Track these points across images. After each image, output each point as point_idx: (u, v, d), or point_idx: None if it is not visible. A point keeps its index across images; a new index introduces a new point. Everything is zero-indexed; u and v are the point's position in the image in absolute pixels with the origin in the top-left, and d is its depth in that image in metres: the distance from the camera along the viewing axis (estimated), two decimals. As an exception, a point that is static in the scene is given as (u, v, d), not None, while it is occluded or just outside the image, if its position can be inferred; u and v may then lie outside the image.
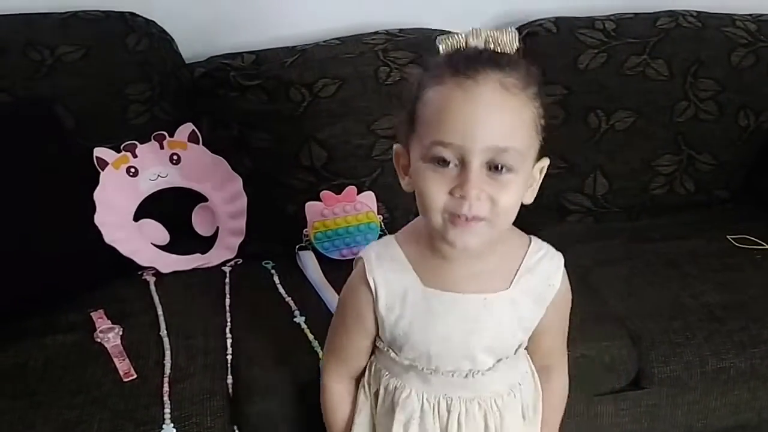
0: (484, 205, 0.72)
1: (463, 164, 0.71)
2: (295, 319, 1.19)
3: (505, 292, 0.82)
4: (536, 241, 0.85)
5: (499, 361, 0.85)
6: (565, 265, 0.85)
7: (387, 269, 0.82)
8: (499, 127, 0.70)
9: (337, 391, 0.93)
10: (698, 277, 1.29)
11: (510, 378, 0.88)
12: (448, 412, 0.86)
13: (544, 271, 0.84)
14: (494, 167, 0.71)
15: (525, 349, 0.90)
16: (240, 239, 1.40)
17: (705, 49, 1.54)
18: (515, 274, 0.82)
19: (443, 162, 0.72)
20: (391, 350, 0.86)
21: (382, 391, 0.89)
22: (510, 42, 0.74)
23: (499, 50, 0.74)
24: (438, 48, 0.76)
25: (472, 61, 0.71)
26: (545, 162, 0.78)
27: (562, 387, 0.95)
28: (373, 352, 0.91)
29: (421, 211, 0.77)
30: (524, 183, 0.75)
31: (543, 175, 0.78)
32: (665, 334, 1.17)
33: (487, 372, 0.85)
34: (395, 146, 0.82)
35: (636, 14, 1.59)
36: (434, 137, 0.71)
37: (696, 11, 1.60)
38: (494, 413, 0.86)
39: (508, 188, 0.72)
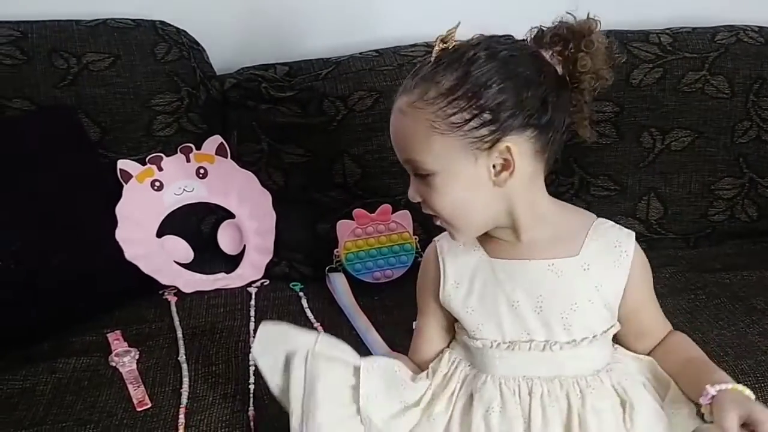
0: (425, 206, 0.85)
1: None
2: (323, 347, 1.10)
3: (574, 258, 0.84)
4: (603, 219, 0.89)
5: (584, 339, 0.84)
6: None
7: (456, 247, 0.89)
8: (401, 144, 0.83)
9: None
10: (767, 312, 1.17)
11: (597, 360, 0.86)
12: (530, 395, 0.83)
13: (612, 238, 0.86)
14: (417, 173, 0.83)
15: (628, 340, 0.90)
16: (267, 258, 1.32)
17: (768, 66, 1.43)
18: (583, 242, 0.85)
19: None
20: (465, 334, 0.87)
21: (457, 386, 0.87)
22: (442, 44, 0.83)
23: (434, 57, 0.82)
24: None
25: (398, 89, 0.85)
26: (501, 145, 0.78)
27: (684, 338, 0.93)
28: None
29: None
30: (464, 179, 0.80)
31: (515, 154, 0.79)
32: (732, 376, 1.04)
33: (566, 345, 0.84)
34: None
35: (694, 28, 1.49)
36: None
37: (757, 26, 1.50)
38: (576, 394, 0.83)
39: (437, 189, 0.81)
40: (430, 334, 0.94)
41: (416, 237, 1.32)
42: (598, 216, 0.90)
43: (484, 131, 0.78)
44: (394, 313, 1.20)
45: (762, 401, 1.01)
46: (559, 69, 0.82)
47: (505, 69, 0.78)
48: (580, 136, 0.86)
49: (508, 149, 0.78)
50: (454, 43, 0.82)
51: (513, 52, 0.80)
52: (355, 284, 1.27)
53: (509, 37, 0.84)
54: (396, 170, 1.33)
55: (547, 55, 0.82)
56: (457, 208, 0.82)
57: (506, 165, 0.79)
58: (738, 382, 1.02)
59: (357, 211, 1.29)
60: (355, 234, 1.29)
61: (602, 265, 0.85)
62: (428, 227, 1.34)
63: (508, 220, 0.85)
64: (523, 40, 0.84)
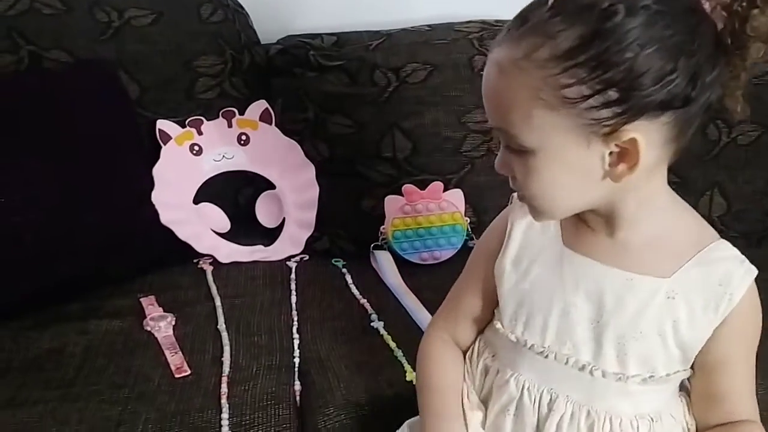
0: (515, 184, 0.67)
1: None
2: (372, 324, 1.03)
3: (663, 280, 0.66)
4: (725, 242, 0.68)
5: (636, 376, 0.67)
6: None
7: (531, 219, 0.71)
8: (494, 107, 0.64)
9: (435, 351, 0.78)
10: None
11: (644, 404, 0.69)
12: (550, 410, 0.70)
13: (721, 273, 0.66)
14: (509, 146, 0.65)
15: (696, 400, 0.71)
16: (308, 233, 1.25)
17: (841, 61, 1.36)
18: (683, 265, 0.66)
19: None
20: (500, 322, 0.73)
21: (479, 376, 0.75)
22: None
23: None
24: None
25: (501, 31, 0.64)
26: (625, 134, 0.60)
27: None
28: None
29: None
30: (568, 164, 0.62)
31: (642, 145, 0.60)
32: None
33: (612, 376, 0.68)
34: None
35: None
36: None
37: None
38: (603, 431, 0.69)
39: (531, 169, 0.63)
40: (471, 302, 0.78)
41: (467, 218, 1.24)
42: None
43: (605, 113, 0.59)
44: (442, 293, 1.12)
45: None
46: (720, 24, 0.61)
47: (649, 30, 0.58)
48: (727, 109, 0.65)
49: (634, 141, 0.60)
50: None
51: (663, 6, 0.59)
52: (400, 264, 1.20)
53: None
54: (449, 147, 1.27)
55: (707, 4, 0.61)
56: (549, 193, 0.65)
57: (626, 156, 0.61)
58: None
59: (407, 187, 1.22)
60: (403, 211, 1.21)
61: (694, 301, 0.66)
62: (480, 209, 1.28)
63: (607, 210, 0.67)
64: None
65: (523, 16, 0.62)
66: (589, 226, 0.69)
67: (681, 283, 0.66)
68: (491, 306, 0.76)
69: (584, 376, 0.68)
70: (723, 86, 0.63)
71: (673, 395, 0.71)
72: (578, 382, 0.69)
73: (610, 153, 0.61)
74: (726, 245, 0.68)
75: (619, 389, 0.68)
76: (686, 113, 0.60)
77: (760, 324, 0.69)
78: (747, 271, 0.66)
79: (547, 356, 0.70)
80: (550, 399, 0.70)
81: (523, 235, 0.73)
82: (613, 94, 0.58)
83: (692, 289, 0.66)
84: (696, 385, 0.71)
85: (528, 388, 0.71)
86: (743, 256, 0.67)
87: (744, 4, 0.60)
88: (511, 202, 0.76)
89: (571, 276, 0.69)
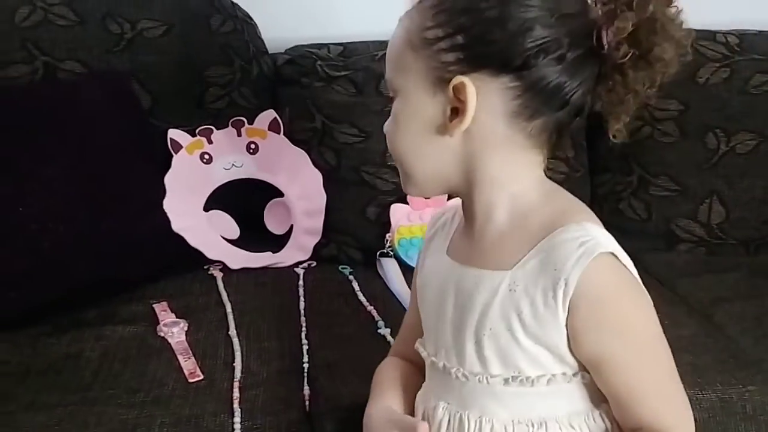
0: (388, 142, 0.68)
1: None
2: (379, 330, 1.06)
3: (506, 272, 0.62)
4: (577, 225, 0.60)
5: (497, 376, 0.64)
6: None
7: (437, 229, 0.74)
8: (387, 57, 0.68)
9: (381, 365, 0.80)
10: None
11: (522, 408, 0.64)
12: (432, 419, 0.69)
13: (558, 256, 0.59)
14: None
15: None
16: (315, 240, 1.28)
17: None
18: (527, 252, 0.61)
19: None
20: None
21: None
22: None
23: None
24: None
25: None
26: (457, 80, 0.60)
27: None
28: None
29: None
30: (419, 114, 0.64)
31: (469, 95, 0.60)
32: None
33: (472, 376, 0.65)
34: None
35: (760, 31, 1.45)
36: None
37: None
38: None
39: (394, 117, 0.67)
40: (410, 319, 0.80)
41: (471, 226, 1.27)
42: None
43: (450, 56, 0.61)
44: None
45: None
46: (597, 16, 0.61)
47: None
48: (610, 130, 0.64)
49: (462, 87, 0.60)
50: None
51: None
52: (406, 271, 1.23)
53: None
54: (453, 156, 1.29)
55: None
56: (406, 149, 0.66)
57: (461, 112, 0.61)
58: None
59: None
60: (409, 219, 1.24)
61: (533, 292, 0.61)
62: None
63: (467, 199, 0.66)
64: None
65: None
66: (465, 229, 0.68)
67: (521, 273, 0.61)
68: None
69: (454, 381, 0.67)
70: (604, 104, 0.63)
71: (578, 403, 0.65)
72: (451, 388, 0.67)
73: (452, 109, 0.62)
74: (575, 227, 0.60)
75: (485, 391, 0.65)
76: (535, 89, 0.60)
77: (643, 315, 0.62)
78: (586, 252, 0.58)
79: (432, 364, 0.70)
80: (433, 408, 0.69)
81: (426, 250, 0.75)
82: (460, 38, 0.60)
83: (530, 279, 0.61)
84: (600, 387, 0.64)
85: (424, 401, 0.71)
86: (592, 236, 0.59)
87: (618, 4, 0.59)
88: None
89: (443, 281, 0.68)
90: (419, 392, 0.74)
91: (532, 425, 0.64)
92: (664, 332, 0.63)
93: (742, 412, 0.94)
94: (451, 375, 0.67)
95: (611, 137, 0.64)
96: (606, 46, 0.60)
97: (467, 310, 0.65)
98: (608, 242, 0.60)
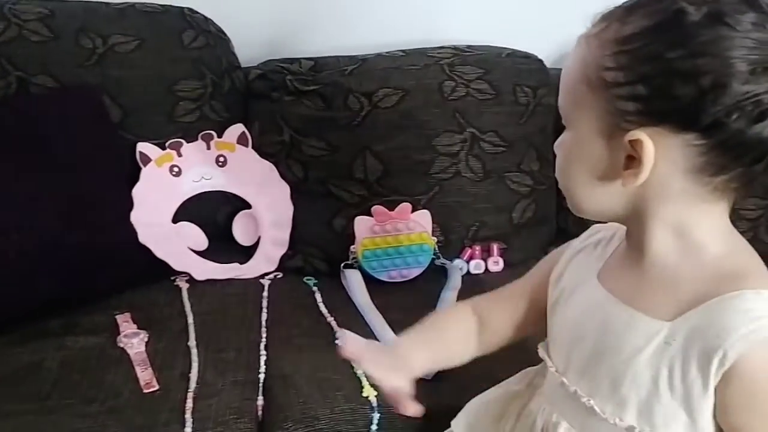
0: (557, 168, 0.66)
1: None
2: (336, 342, 1.08)
3: (664, 323, 0.59)
4: (757, 293, 0.56)
5: (631, 427, 0.62)
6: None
7: (588, 244, 0.72)
8: (561, 79, 0.65)
9: (454, 306, 0.83)
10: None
11: None
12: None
13: (723, 323, 0.56)
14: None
15: None
16: (282, 251, 1.30)
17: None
18: (692, 308, 0.58)
19: None
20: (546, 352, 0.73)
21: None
22: None
23: None
24: None
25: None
26: (633, 134, 0.57)
27: None
28: None
29: None
30: (591, 155, 0.61)
31: (646, 152, 0.57)
32: None
33: (612, 419, 0.63)
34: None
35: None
36: None
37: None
38: None
39: (564, 149, 0.64)
40: (515, 288, 0.80)
41: (435, 238, 1.29)
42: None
43: (630, 106, 0.57)
44: (409, 312, 1.16)
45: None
46: None
47: (714, 44, 0.54)
48: None
49: (639, 143, 0.56)
50: None
51: (754, 20, 0.54)
52: (369, 282, 1.25)
53: None
54: (418, 169, 1.32)
55: None
56: (575, 186, 0.63)
57: (635, 161, 0.58)
58: None
59: (376, 208, 1.27)
60: (373, 231, 1.27)
61: (690, 351, 0.58)
62: (447, 230, 1.33)
63: (636, 236, 0.63)
64: None
65: (623, 3, 0.61)
66: (626, 261, 0.66)
67: (683, 328, 0.58)
68: (532, 312, 0.77)
69: (581, 406, 0.65)
70: None
71: None
72: (577, 413, 0.66)
73: (628, 156, 0.58)
74: (751, 296, 0.56)
75: (611, 429, 0.63)
76: (721, 145, 0.55)
77: None
78: (755, 331, 0.55)
79: (561, 384, 0.68)
80: (554, 424, 0.68)
81: (571, 259, 0.73)
82: (642, 88, 0.56)
83: (690, 337, 0.58)
84: None
85: (543, 413, 0.70)
86: (766, 313, 0.55)
87: None
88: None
89: (592, 307, 0.66)
90: (535, 399, 0.74)
91: None
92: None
93: None
94: (581, 402, 0.65)
95: None
96: None
97: (613, 349, 0.63)
98: None
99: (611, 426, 0.63)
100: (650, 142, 0.56)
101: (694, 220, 0.60)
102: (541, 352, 0.74)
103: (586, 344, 0.66)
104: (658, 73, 0.55)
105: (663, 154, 0.57)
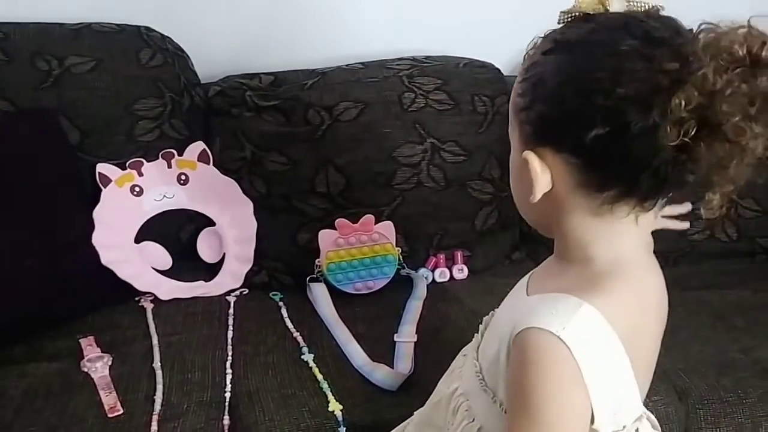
0: None
1: None
2: (302, 357, 1.08)
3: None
4: (567, 299, 0.61)
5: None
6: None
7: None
8: None
9: None
10: (747, 330, 1.17)
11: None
12: None
13: (522, 307, 0.65)
14: None
15: None
16: (247, 267, 1.30)
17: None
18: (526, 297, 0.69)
19: None
20: None
21: None
22: None
23: None
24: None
25: None
26: (528, 155, 0.62)
27: None
28: None
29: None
30: (512, 164, 0.67)
31: (534, 172, 0.62)
32: (714, 392, 1.05)
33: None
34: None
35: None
36: None
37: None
38: None
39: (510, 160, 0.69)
40: None
41: (399, 248, 1.31)
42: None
43: (526, 128, 0.64)
44: (374, 324, 1.18)
45: (744, 417, 1.03)
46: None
47: (566, 70, 0.60)
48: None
49: (526, 162, 0.62)
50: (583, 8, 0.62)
51: (631, 46, 0.57)
52: (335, 295, 1.26)
53: (668, 20, 0.60)
54: (380, 181, 1.33)
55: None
56: (516, 198, 0.69)
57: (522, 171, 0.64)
58: (719, 399, 1.04)
59: (339, 221, 1.28)
60: (337, 244, 1.27)
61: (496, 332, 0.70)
62: (411, 239, 1.34)
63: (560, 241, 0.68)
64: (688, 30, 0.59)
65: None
66: (553, 268, 0.70)
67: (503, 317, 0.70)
68: None
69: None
70: (706, 174, 0.57)
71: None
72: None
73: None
74: (562, 299, 0.61)
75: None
76: (593, 164, 0.59)
77: (529, 374, 0.60)
78: (548, 306, 0.61)
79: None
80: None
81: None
82: (532, 114, 0.62)
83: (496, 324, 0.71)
84: None
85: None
86: (559, 313, 0.59)
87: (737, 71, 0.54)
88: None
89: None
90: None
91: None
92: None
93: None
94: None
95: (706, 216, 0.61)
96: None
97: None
98: (565, 327, 0.59)
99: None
100: (536, 161, 0.62)
101: (591, 233, 0.64)
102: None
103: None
104: (538, 99, 0.62)
105: (555, 172, 0.62)
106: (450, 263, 1.36)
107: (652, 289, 0.69)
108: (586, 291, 0.61)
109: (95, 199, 1.25)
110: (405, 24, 1.56)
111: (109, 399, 0.96)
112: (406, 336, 1.13)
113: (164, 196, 1.32)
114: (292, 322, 1.18)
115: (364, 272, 1.28)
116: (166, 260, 1.30)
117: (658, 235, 1.41)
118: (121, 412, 0.94)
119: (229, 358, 1.08)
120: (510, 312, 0.70)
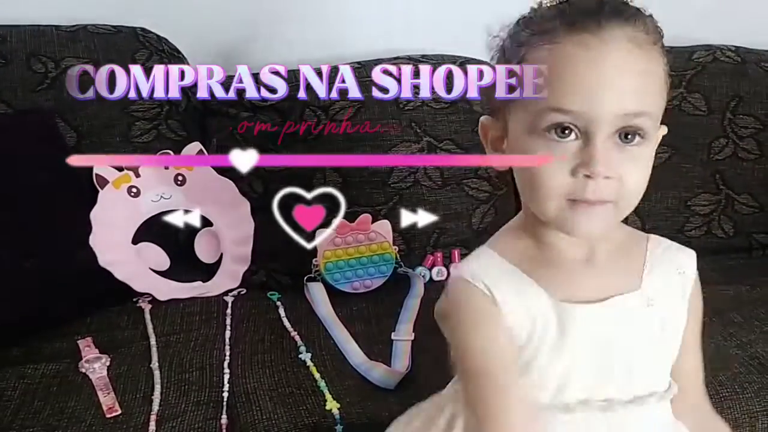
0: (611, 185, 0.61)
1: (586, 136, 0.60)
2: (300, 356, 1.08)
3: (638, 291, 0.67)
4: (655, 236, 0.72)
5: (644, 396, 0.68)
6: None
7: (505, 284, 0.66)
8: (632, 90, 0.61)
9: None
10: (744, 326, 1.18)
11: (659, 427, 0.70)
12: None
13: (673, 261, 0.70)
14: (624, 136, 0.61)
15: None
16: (245, 267, 1.30)
17: (745, 84, 1.46)
18: (643, 270, 0.68)
19: (562, 132, 0.61)
20: None
21: None
22: None
23: None
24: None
25: (593, 15, 0.61)
26: (663, 130, 0.67)
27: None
28: None
29: (529, 197, 0.65)
30: (652, 155, 0.64)
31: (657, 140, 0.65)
32: (711, 387, 1.04)
33: (628, 405, 0.68)
34: (483, 118, 0.70)
35: (671, 47, 1.51)
36: (550, 103, 0.60)
37: (734, 46, 1.53)
38: None
39: (639, 161, 0.62)
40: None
41: (396, 247, 1.31)
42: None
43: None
44: (372, 323, 1.19)
45: (741, 413, 1.03)
46: None
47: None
48: None
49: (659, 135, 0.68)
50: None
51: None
52: (333, 294, 1.26)
53: None
54: (377, 180, 1.33)
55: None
56: (641, 190, 0.66)
57: None
58: (716, 394, 1.04)
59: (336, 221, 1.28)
60: (334, 244, 1.28)
61: (669, 297, 0.69)
62: (408, 238, 1.34)
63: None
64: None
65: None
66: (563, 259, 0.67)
67: (652, 287, 0.67)
68: None
69: (606, 419, 0.68)
70: None
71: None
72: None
73: None
74: (656, 238, 0.71)
75: (636, 413, 0.69)
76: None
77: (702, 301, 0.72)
78: (689, 252, 0.71)
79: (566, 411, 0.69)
80: None
81: (509, 304, 0.66)
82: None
83: (663, 287, 0.68)
84: None
85: None
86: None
87: None
88: (451, 291, 0.69)
89: (576, 329, 0.66)
90: None
91: None
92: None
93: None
94: (605, 411, 0.69)
95: None
96: None
97: (615, 340, 0.69)
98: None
99: (635, 409, 0.69)
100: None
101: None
102: None
103: (589, 360, 0.68)
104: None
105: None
106: (447, 261, 1.36)
107: None
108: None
109: (92, 201, 1.26)
110: (401, 23, 1.56)
111: (107, 399, 0.96)
112: (404, 334, 1.13)
113: (161, 196, 1.32)
114: (289, 321, 1.19)
115: (362, 271, 1.28)
116: (163, 261, 1.30)
117: (653, 231, 1.43)
118: (120, 412, 0.95)
119: (227, 357, 1.08)
120: None
